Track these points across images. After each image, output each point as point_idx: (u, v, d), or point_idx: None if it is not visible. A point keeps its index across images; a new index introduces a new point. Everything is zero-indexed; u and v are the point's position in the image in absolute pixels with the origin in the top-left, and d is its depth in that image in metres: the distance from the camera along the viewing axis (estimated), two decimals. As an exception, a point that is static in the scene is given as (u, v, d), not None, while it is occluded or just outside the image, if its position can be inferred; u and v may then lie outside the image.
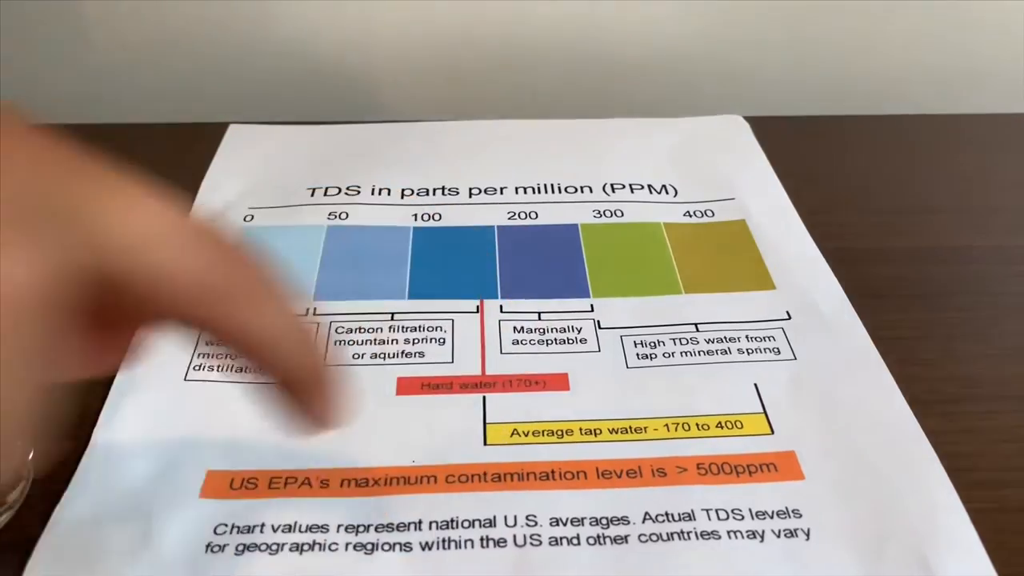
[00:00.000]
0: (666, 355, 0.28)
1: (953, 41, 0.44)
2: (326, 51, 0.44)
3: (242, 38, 0.43)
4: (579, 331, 0.28)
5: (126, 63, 0.44)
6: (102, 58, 0.43)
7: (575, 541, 0.22)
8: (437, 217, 0.33)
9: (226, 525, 0.22)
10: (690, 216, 0.34)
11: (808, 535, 0.22)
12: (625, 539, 0.22)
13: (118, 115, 0.42)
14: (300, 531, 0.22)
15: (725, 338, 0.28)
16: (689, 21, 0.44)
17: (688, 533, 0.22)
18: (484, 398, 0.26)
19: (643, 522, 0.23)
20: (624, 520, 0.23)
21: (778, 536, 0.22)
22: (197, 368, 0.27)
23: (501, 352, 0.28)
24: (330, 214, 0.33)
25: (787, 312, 0.29)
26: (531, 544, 0.22)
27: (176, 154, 0.38)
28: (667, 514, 0.23)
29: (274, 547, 0.22)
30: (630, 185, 0.35)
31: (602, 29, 0.44)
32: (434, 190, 0.35)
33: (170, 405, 0.26)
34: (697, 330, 0.28)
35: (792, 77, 0.45)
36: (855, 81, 0.45)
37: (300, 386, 0.17)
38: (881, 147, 0.40)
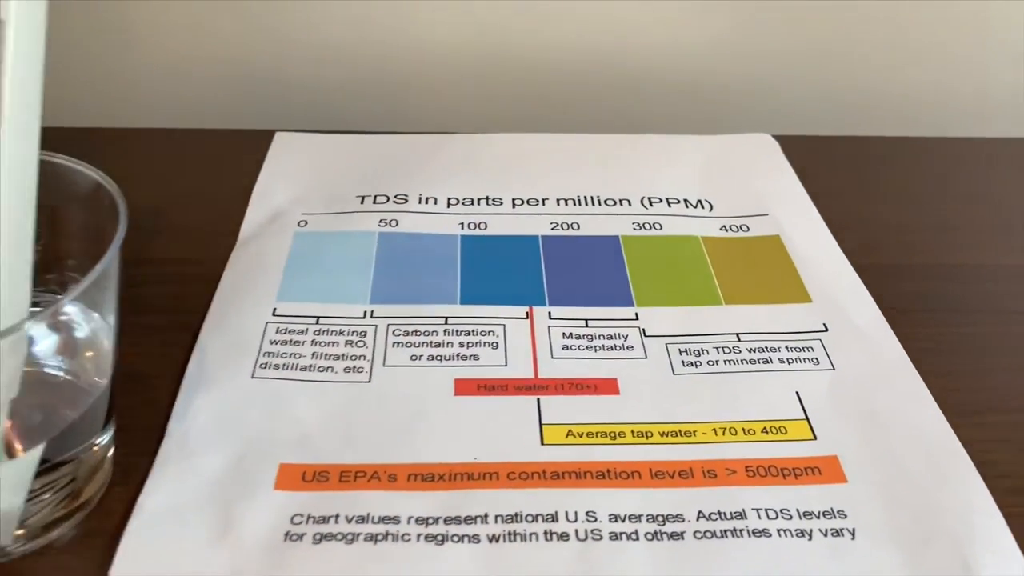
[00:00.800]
0: (710, 363, 0.29)
1: (977, 64, 0.46)
2: (366, 63, 0.45)
3: (285, 48, 0.45)
4: (625, 338, 0.30)
5: (171, 69, 0.45)
6: (149, 64, 0.44)
7: (634, 536, 0.23)
8: (483, 226, 0.35)
9: (302, 515, 0.23)
10: (726, 230, 0.35)
11: (853, 535, 0.24)
12: (681, 535, 0.23)
13: (165, 120, 0.44)
14: (373, 522, 0.23)
15: (766, 348, 0.29)
16: (715, 41, 0.45)
17: (740, 531, 0.23)
18: (538, 400, 0.27)
19: (697, 520, 0.24)
20: (679, 518, 0.24)
21: (825, 535, 0.23)
22: (263, 366, 0.28)
23: (552, 357, 0.29)
24: (380, 221, 0.34)
25: (824, 324, 0.30)
26: (592, 539, 0.23)
27: (224, 159, 0.39)
28: (719, 512, 0.24)
29: (349, 537, 0.23)
30: (667, 199, 0.36)
31: (631, 48, 0.45)
32: (479, 200, 0.36)
33: (239, 401, 0.27)
34: (739, 339, 0.30)
35: (816, 96, 0.47)
36: (880, 102, 0.47)
37: None
38: (905, 167, 0.41)
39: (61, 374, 0.24)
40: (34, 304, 0.23)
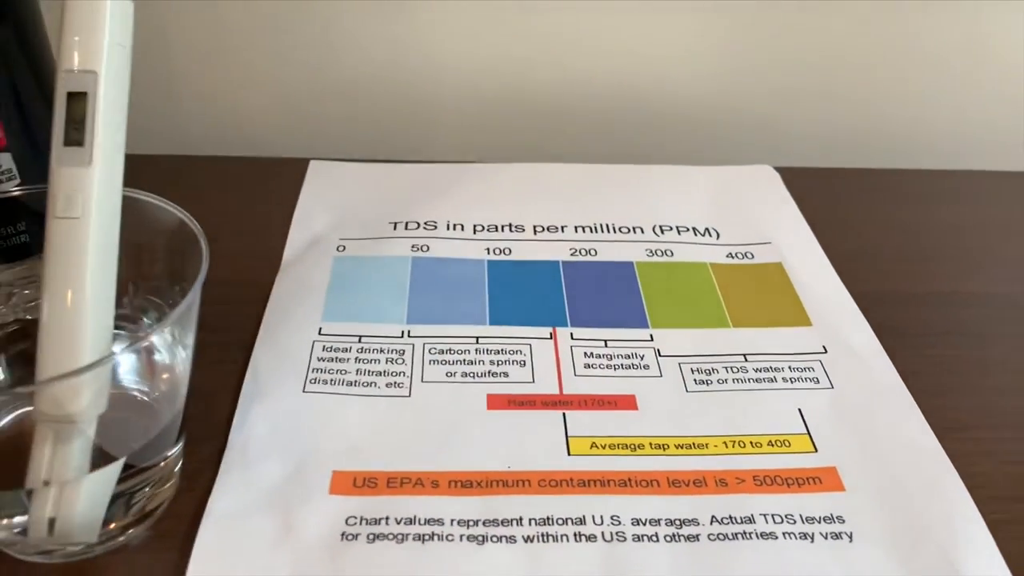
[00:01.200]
0: (720, 381, 0.31)
1: (966, 102, 0.49)
2: (394, 96, 0.48)
3: (318, 82, 0.47)
4: (642, 358, 0.32)
5: (212, 101, 0.47)
6: (192, 96, 0.47)
7: (654, 538, 0.26)
8: (507, 251, 0.37)
9: (355, 518, 0.26)
10: (732, 257, 0.38)
11: (851, 538, 0.26)
12: (696, 538, 0.26)
13: (205, 148, 0.46)
14: (420, 524, 0.26)
15: (771, 368, 0.32)
16: (721, 78, 0.48)
17: (749, 534, 0.26)
18: (564, 415, 0.30)
19: (711, 524, 0.26)
20: (695, 522, 0.26)
21: (826, 538, 0.26)
22: (313, 382, 0.30)
23: (575, 374, 0.32)
24: (413, 246, 0.37)
25: (823, 346, 0.33)
26: (617, 540, 0.26)
27: (263, 186, 0.42)
28: (731, 517, 0.27)
29: (400, 537, 0.25)
30: (677, 227, 0.39)
31: (642, 82, 0.48)
32: (502, 227, 0.39)
33: (292, 414, 0.29)
34: (746, 360, 0.32)
35: (815, 131, 0.50)
36: (875, 137, 0.50)
37: None
38: (899, 198, 0.44)
39: (140, 395, 0.27)
40: (118, 326, 0.26)
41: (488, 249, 0.38)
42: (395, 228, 0.38)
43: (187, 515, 0.26)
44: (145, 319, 0.28)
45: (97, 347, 0.24)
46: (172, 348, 0.26)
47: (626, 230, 0.39)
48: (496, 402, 0.30)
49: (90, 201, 0.24)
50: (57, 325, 0.24)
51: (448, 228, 0.39)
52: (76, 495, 0.24)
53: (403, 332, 0.33)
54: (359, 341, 0.32)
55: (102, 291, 0.24)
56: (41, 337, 0.24)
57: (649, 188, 0.42)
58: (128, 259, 0.25)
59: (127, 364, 0.27)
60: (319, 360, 0.31)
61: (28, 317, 0.31)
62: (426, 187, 0.41)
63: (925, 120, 0.50)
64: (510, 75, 0.48)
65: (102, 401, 0.24)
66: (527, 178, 0.42)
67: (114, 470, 0.24)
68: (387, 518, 0.26)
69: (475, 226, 0.39)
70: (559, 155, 0.46)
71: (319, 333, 0.32)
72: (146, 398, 0.27)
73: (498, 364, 0.32)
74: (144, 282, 0.27)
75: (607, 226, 0.39)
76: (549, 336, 0.33)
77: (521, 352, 0.32)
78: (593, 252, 0.38)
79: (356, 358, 0.32)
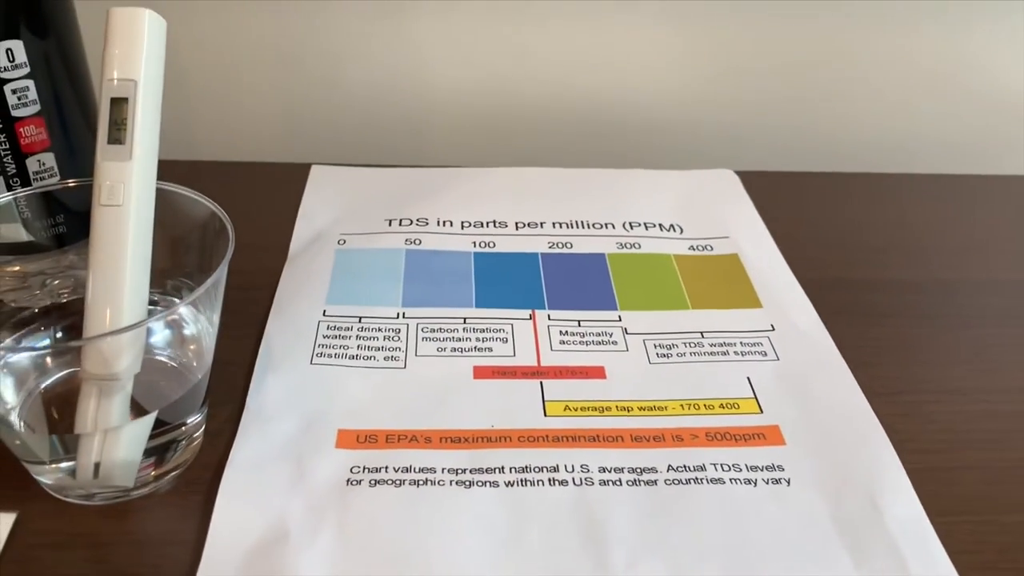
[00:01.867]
0: (679, 355, 0.36)
1: (907, 109, 0.54)
2: (386, 106, 0.52)
3: (316, 91, 0.52)
4: (611, 335, 0.36)
5: (220, 110, 0.51)
6: (202, 105, 0.51)
7: (618, 483, 0.30)
8: (492, 244, 0.41)
9: (358, 467, 0.30)
10: (694, 249, 0.42)
11: (789, 483, 0.30)
12: (655, 483, 0.30)
13: (211, 154, 0.50)
14: (415, 472, 0.30)
15: (724, 343, 0.36)
16: (688, 90, 0.53)
17: (701, 479, 0.30)
18: (541, 383, 0.34)
19: (667, 471, 0.30)
20: (653, 470, 0.30)
21: (767, 483, 0.30)
22: (319, 355, 0.34)
23: (551, 349, 0.35)
24: (406, 240, 0.41)
25: (771, 325, 0.37)
26: (586, 485, 0.30)
27: (267, 187, 0.46)
28: (685, 466, 0.31)
29: (397, 482, 0.29)
30: (644, 223, 0.43)
31: (615, 93, 0.52)
32: (487, 223, 0.43)
33: (301, 382, 0.33)
34: (702, 336, 0.36)
35: (771, 139, 0.54)
36: (824, 143, 0.54)
37: None
38: (843, 197, 0.48)
39: (170, 362, 0.31)
40: (153, 303, 0.30)
41: (474, 242, 0.42)
42: (390, 224, 0.42)
43: (211, 465, 0.30)
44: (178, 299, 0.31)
45: (134, 316, 0.28)
46: (199, 321, 0.30)
47: (599, 226, 0.43)
48: (482, 372, 0.34)
49: (130, 191, 0.28)
50: (101, 296, 0.28)
51: (438, 224, 0.43)
52: (117, 442, 0.28)
53: (399, 314, 0.37)
54: (359, 321, 0.36)
55: (139, 268, 0.28)
56: (87, 306, 0.27)
57: (621, 190, 0.46)
58: (165, 247, 0.29)
59: (160, 333, 0.31)
60: (324, 337, 0.35)
61: (63, 301, 0.34)
62: (419, 189, 0.45)
63: (869, 125, 0.54)
64: (495, 87, 0.52)
65: (137, 363, 0.28)
66: (511, 181, 0.47)
67: (148, 422, 0.28)
68: (386, 467, 0.30)
69: (463, 222, 0.43)
70: (540, 160, 0.50)
71: (324, 314, 0.36)
72: (175, 364, 0.31)
73: (483, 341, 0.36)
74: (178, 267, 0.31)
75: (582, 223, 0.43)
76: (528, 317, 0.37)
77: (504, 331, 0.36)
78: (569, 245, 0.42)
79: (357, 336, 0.36)
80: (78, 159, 0.34)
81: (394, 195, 0.45)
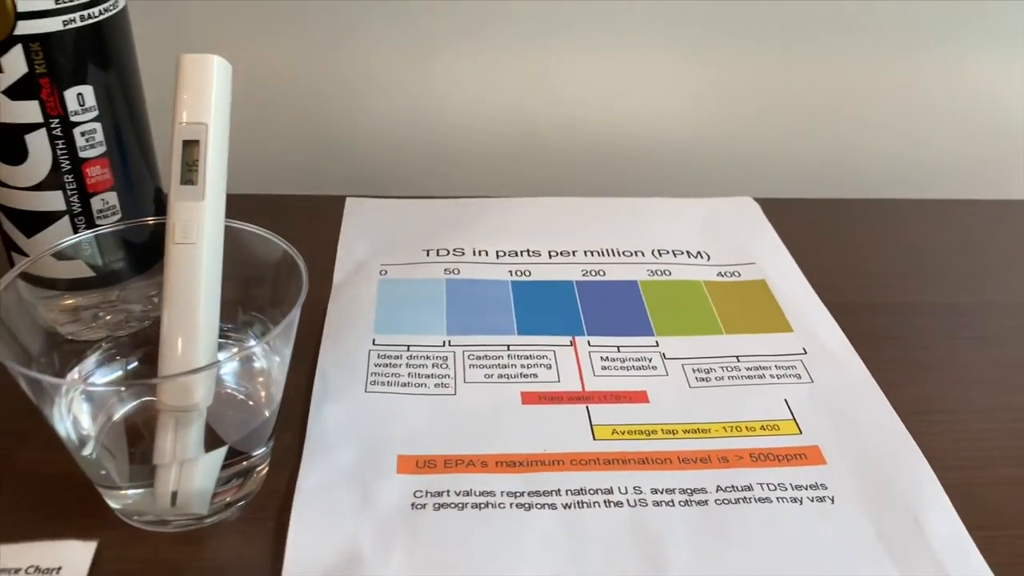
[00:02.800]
0: (717, 378, 0.37)
1: (924, 137, 0.56)
2: (412, 140, 0.54)
3: (343, 125, 0.53)
4: (650, 360, 0.38)
5: (255, 144, 0.53)
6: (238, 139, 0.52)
7: (671, 504, 0.31)
8: (528, 273, 0.43)
9: (421, 491, 0.31)
10: (722, 276, 0.43)
11: (833, 501, 0.31)
12: (705, 502, 0.31)
13: (239, 187, 0.51)
14: (475, 495, 0.31)
15: (759, 367, 0.38)
16: (706, 120, 0.55)
17: (749, 499, 0.31)
18: (587, 408, 0.35)
19: (716, 491, 0.32)
20: (703, 490, 0.32)
21: (812, 501, 0.31)
22: (372, 383, 0.35)
23: (594, 375, 0.37)
24: (445, 270, 0.42)
25: (803, 348, 0.39)
26: (640, 506, 0.31)
27: (305, 219, 0.47)
28: (732, 486, 0.32)
29: (460, 506, 0.30)
30: (673, 251, 0.45)
31: (629, 124, 0.54)
32: (521, 252, 0.44)
33: (357, 410, 0.34)
34: (738, 361, 0.38)
35: (787, 165, 0.56)
36: (842, 169, 0.56)
37: None
38: (863, 223, 0.50)
39: (241, 395, 0.32)
40: (225, 335, 0.31)
41: (510, 271, 0.43)
42: (428, 254, 0.44)
43: (278, 492, 0.31)
44: (251, 332, 0.33)
45: (208, 350, 0.29)
46: (270, 357, 0.31)
47: (629, 254, 0.45)
48: (529, 398, 0.35)
49: (203, 230, 0.29)
50: (176, 330, 0.29)
51: (474, 254, 0.44)
52: (194, 472, 0.29)
53: (444, 342, 0.38)
54: (408, 350, 0.37)
55: (212, 303, 0.29)
56: (162, 339, 0.29)
57: (646, 218, 0.48)
58: (236, 282, 0.30)
59: (234, 368, 0.32)
60: (376, 366, 0.36)
61: (118, 334, 0.35)
62: (451, 219, 0.47)
63: (885, 154, 0.56)
64: (518, 121, 0.54)
65: (210, 395, 0.29)
66: (538, 210, 0.48)
67: (221, 453, 0.29)
68: (447, 491, 0.31)
69: (497, 252, 0.44)
70: (559, 189, 0.52)
71: (373, 343, 0.38)
72: (247, 397, 0.32)
73: (528, 367, 0.37)
74: (249, 301, 0.32)
75: (612, 251, 0.45)
76: (569, 344, 0.38)
77: (547, 357, 0.38)
78: (602, 273, 0.43)
79: (407, 364, 0.37)
80: (137, 197, 0.35)
81: (428, 226, 0.46)
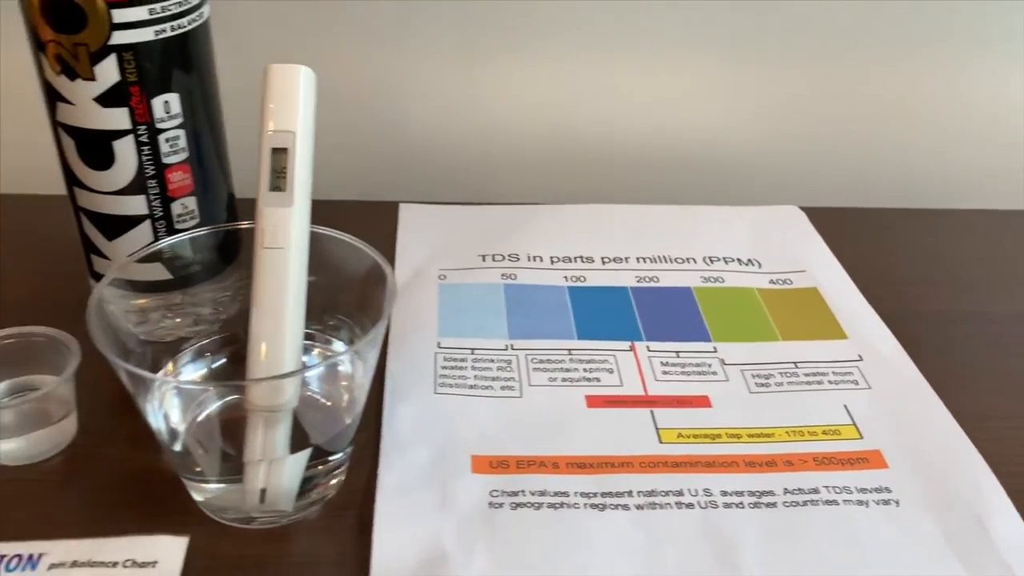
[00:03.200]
0: (777, 384, 0.38)
1: (970, 146, 0.56)
2: (461, 147, 0.54)
3: (391, 131, 0.54)
4: (709, 366, 0.38)
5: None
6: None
7: (741, 506, 0.32)
8: (583, 279, 0.44)
9: (497, 491, 0.32)
10: (775, 283, 0.44)
11: (898, 504, 0.32)
12: (774, 504, 0.32)
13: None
14: (549, 495, 0.32)
15: (817, 373, 0.38)
16: (749, 129, 0.55)
17: (816, 502, 0.32)
18: (652, 412, 0.36)
19: (784, 495, 0.32)
20: (771, 493, 0.32)
21: (878, 504, 0.32)
22: (440, 386, 0.36)
23: (656, 379, 0.38)
24: (503, 275, 0.43)
25: (858, 355, 0.39)
26: (711, 507, 0.32)
27: (361, 224, 0.48)
28: (799, 489, 0.32)
29: (535, 505, 0.31)
30: (724, 258, 0.46)
31: (674, 132, 0.55)
32: (574, 258, 0.45)
33: (428, 411, 0.35)
34: (796, 367, 0.39)
35: (828, 173, 0.57)
36: (881, 178, 0.57)
37: None
38: (906, 232, 0.51)
39: (325, 398, 0.33)
40: (310, 336, 0.32)
41: (565, 277, 0.44)
42: (484, 260, 0.45)
43: (358, 490, 0.32)
44: (335, 336, 0.33)
45: (294, 352, 0.30)
46: (356, 362, 0.32)
47: (681, 260, 0.46)
48: (594, 402, 0.36)
49: (290, 235, 0.30)
50: (265, 332, 0.30)
51: (529, 259, 0.45)
52: (282, 471, 0.29)
53: (507, 346, 0.39)
54: (472, 353, 0.38)
55: (299, 306, 0.30)
56: (251, 340, 0.29)
57: (694, 225, 0.49)
58: (323, 285, 0.31)
59: (320, 373, 0.33)
60: (442, 368, 0.37)
61: (184, 334, 0.36)
62: (504, 225, 0.48)
63: (924, 163, 0.57)
64: (563, 128, 0.55)
65: (296, 397, 0.30)
66: (588, 217, 0.49)
67: (307, 453, 0.30)
68: (523, 491, 0.32)
69: (551, 257, 0.45)
70: (605, 196, 0.52)
71: (439, 347, 0.38)
72: (332, 400, 0.33)
73: (590, 371, 0.38)
74: (336, 306, 0.33)
75: (664, 257, 0.46)
76: (629, 349, 0.39)
77: (608, 362, 0.38)
78: (656, 279, 0.44)
79: (472, 367, 0.37)
80: (213, 202, 0.36)
81: (482, 231, 0.47)
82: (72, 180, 0.34)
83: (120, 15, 0.30)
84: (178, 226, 0.35)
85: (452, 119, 0.54)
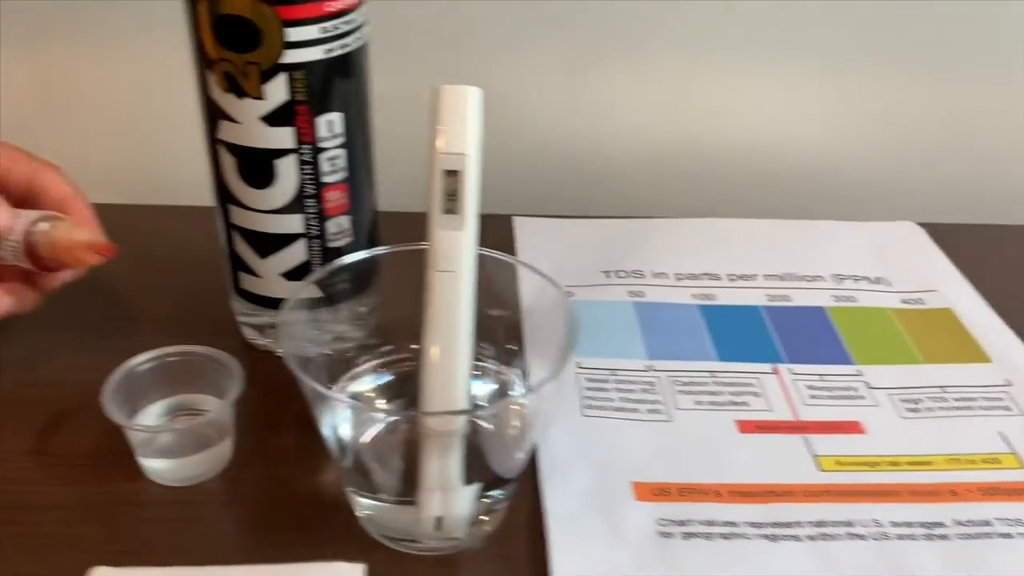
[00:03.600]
0: (927, 409, 0.37)
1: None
2: (572, 157, 0.54)
3: (507, 144, 0.53)
4: (856, 390, 0.38)
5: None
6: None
7: (914, 538, 0.31)
8: (712, 297, 0.43)
9: (665, 520, 0.31)
10: (907, 303, 0.43)
11: (1074, 537, 0.31)
12: (946, 537, 0.31)
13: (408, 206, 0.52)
14: (719, 525, 0.31)
15: (966, 398, 0.37)
16: (867, 142, 0.54)
17: (991, 534, 0.31)
18: (806, 438, 0.35)
19: (955, 526, 0.31)
20: (941, 524, 0.32)
21: (1056, 539, 0.31)
22: (586, 407, 0.36)
23: (804, 404, 0.37)
24: (629, 292, 0.43)
25: (1005, 380, 0.38)
26: (883, 539, 0.31)
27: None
28: (970, 521, 0.32)
29: (707, 535, 0.31)
30: (852, 276, 0.45)
31: (782, 143, 0.54)
32: (700, 274, 0.45)
33: (579, 433, 0.35)
34: (944, 391, 0.38)
35: (939, 188, 0.56)
36: (999, 195, 0.56)
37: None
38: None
39: (500, 428, 0.32)
40: (478, 358, 0.31)
41: (693, 295, 0.43)
42: (608, 276, 0.44)
43: (521, 514, 0.31)
44: (513, 369, 0.33)
45: (466, 376, 0.29)
46: (534, 395, 0.31)
47: (809, 278, 0.45)
48: (746, 427, 0.36)
49: (463, 258, 0.30)
50: (440, 355, 0.29)
51: (653, 276, 0.44)
52: (458, 499, 0.29)
53: (647, 367, 0.38)
54: (613, 374, 0.38)
55: (470, 329, 0.30)
56: (426, 365, 0.29)
57: (816, 241, 0.48)
58: (491, 309, 0.31)
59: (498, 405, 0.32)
60: (586, 389, 0.37)
61: (327, 352, 0.36)
62: (622, 240, 0.47)
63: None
64: (678, 141, 0.54)
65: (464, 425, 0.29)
66: (706, 231, 0.48)
67: (477, 487, 0.29)
68: (690, 520, 0.31)
69: (676, 274, 0.44)
70: (714, 210, 0.51)
71: (578, 367, 0.38)
72: (506, 430, 0.32)
73: (737, 395, 0.37)
74: (503, 330, 0.33)
75: (791, 275, 0.45)
76: (772, 371, 0.39)
77: (752, 385, 0.38)
78: (787, 298, 0.43)
79: (615, 388, 0.37)
80: (362, 221, 0.36)
81: (600, 246, 0.47)
82: (227, 197, 0.34)
83: (293, 34, 0.30)
84: (331, 244, 0.35)
85: (565, 130, 0.53)
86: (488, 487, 0.30)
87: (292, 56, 0.30)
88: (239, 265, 0.36)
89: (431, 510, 0.29)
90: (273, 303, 0.35)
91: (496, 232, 0.48)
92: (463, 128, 0.30)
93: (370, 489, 0.30)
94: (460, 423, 0.29)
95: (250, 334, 0.38)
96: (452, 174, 0.30)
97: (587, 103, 0.53)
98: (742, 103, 0.53)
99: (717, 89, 0.53)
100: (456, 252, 0.30)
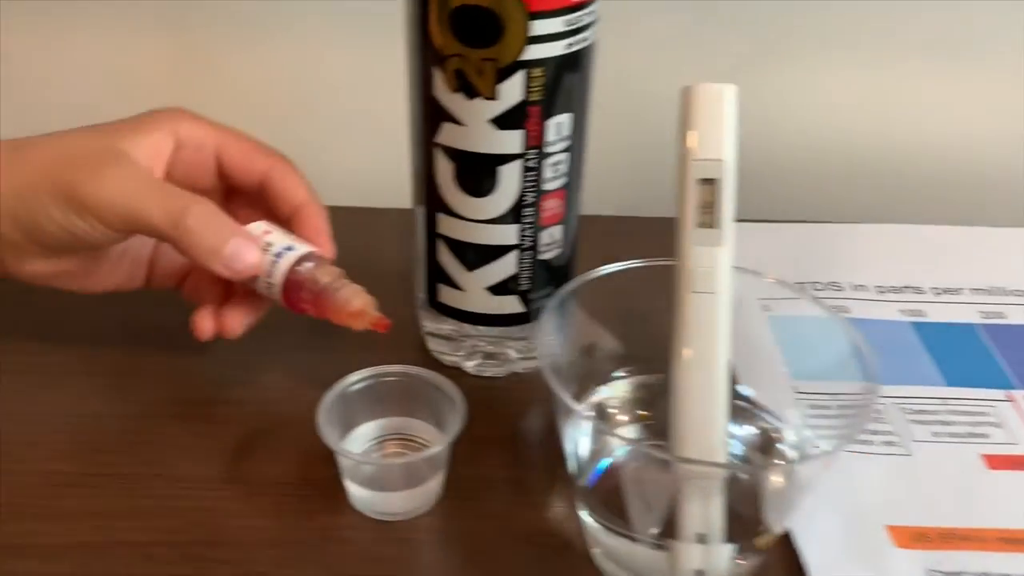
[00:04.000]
0: None
1: None
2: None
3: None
4: (1105, 421, 0.34)
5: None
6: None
7: None
8: (921, 313, 0.39)
9: (936, 572, 0.28)
10: None
11: None
12: None
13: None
14: (996, 578, 0.28)
15: None
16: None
17: None
18: (1070, 476, 0.32)
19: None
20: None
21: None
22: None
23: (1052, 436, 0.33)
24: (833, 307, 0.39)
25: None
26: None
27: (625, 242, 0.44)
28: None
29: (985, 589, 0.27)
30: (1076, 292, 0.41)
31: (974, 145, 0.50)
32: (902, 288, 0.41)
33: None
34: None
35: None
36: None
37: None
38: None
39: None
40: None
41: (900, 311, 0.40)
42: (803, 288, 0.41)
43: (772, 563, 0.28)
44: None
45: (726, 408, 0.26)
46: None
47: (1019, 292, 0.41)
48: (995, 462, 0.32)
49: (722, 279, 0.27)
50: (699, 393, 0.26)
51: (852, 289, 0.41)
52: (721, 553, 0.26)
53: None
54: (835, 399, 0.34)
55: (727, 357, 0.27)
56: (680, 396, 0.26)
57: (1019, 251, 0.44)
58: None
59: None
60: (809, 418, 0.34)
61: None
62: (810, 248, 0.44)
63: None
64: (843, 142, 0.50)
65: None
66: (900, 239, 0.45)
67: (731, 548, 0.26)
68: (964, 572, 0.28)
69: (876, 287, 0.41)
70: (898, 213, 0.48)
71: (797, 392, 0.35)
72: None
73: (975, 425, 0.34)
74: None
75: (999, 288, 0.41)
76: (1006, 399, 0.35)
77: (988, 414, 0.34)
78: (1002, 315, 0.40)
79: (840, 416, 0.34)
80: (571, 230, 0.33)
81: (788, 254, 0.43)
82: (437, 206, 0.31)
83: (538, 27, 0.27)
84: (541, 256, 0.32)
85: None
86: (746, 538, 0.27)
87: (533, 52, 0.27)
88: (439, 276, 0.33)
89: (690, 562, 0.26)
90: (473, 318, 0.33)
91: (643, 235, 0.44)
92: (719, 131, 0.27)
93: (614, 522, 0.27)
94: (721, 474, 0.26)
95: (438, 348, 0.35)
96: (708, 182, 0.27)
97: (764, 101, 0.50)
98: (930, 100, 0.49)
99: (908, 94, 0.49)
100: (714, 271, 0.27)
